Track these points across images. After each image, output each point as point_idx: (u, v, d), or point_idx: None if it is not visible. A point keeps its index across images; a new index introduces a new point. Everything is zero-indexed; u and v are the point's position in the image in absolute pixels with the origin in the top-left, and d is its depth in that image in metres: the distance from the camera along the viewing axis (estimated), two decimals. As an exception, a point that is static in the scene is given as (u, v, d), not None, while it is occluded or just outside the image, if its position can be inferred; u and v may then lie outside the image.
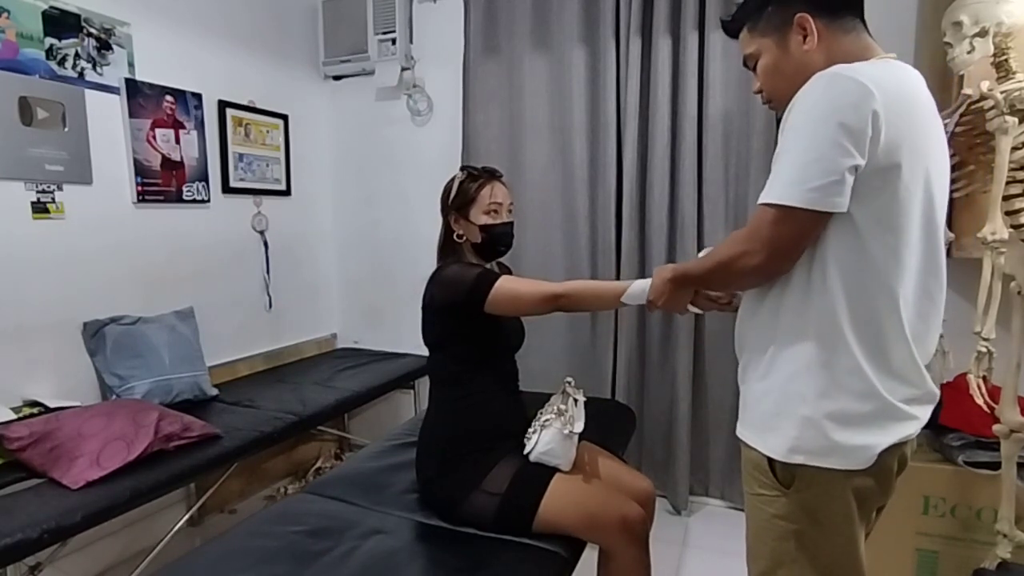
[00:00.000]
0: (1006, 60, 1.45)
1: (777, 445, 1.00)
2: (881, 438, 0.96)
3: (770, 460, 1.02)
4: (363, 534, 1.37)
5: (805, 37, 1.01)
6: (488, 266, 1.57)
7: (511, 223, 1.55)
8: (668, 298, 1.19)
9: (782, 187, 0.92)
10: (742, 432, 1.09)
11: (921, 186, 0.95)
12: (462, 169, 1.58)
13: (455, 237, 1.54)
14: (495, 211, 1.51)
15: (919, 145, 0.94)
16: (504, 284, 1.41)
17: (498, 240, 1.53)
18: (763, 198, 0.94)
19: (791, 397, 0.99)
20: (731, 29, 1.13)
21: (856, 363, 0.95)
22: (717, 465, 2.54)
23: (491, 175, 1.55)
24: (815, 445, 0.96)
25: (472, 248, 1.54)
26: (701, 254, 1.18)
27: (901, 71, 0.97)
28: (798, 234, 0.93)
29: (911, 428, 0.99)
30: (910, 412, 0.99)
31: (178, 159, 2.35)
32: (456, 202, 1.53)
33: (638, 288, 1.27)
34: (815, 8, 1.01)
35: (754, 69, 1.10)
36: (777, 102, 1.08)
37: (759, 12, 1.06)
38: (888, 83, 0.90)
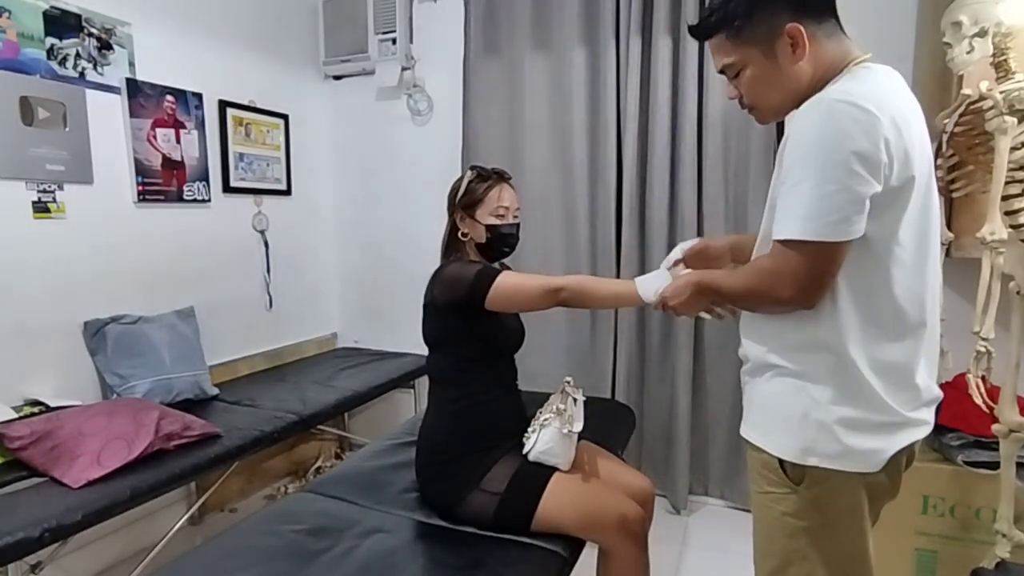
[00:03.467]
0: (1005, 60, 1.45)
1: (790, 447, 1.00)
2: (893, 443, 0.98)
3: (780, 459, 1.02)
4: (363, 533, 1.37)
5: (794, 48, 0.98)
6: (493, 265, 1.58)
7: (517, 225, 1.56)
8: (686, 301, 1.17)
9: (802, 220, 0.89)
10: (749, 433, 1.09)
11: (924, 190, 0.96)
12: (471, 168, 1.58)
13: (460, 235, 1.55)
14: (502, 214, 1.52)
15: (921, 152, 0.95)
16: (505, 279, 1.42)
17: (503, 241, 1.53)
18: (783, 233, 0.92)
19: (803, 401, 0.99)
20: (703, 33, 1.05)
21: (865, 381, 0.96)
22: (717, 464, 2.54)
23: (500, 177, 1.55)
24: (829, 449, 0.97)
25: (476, 247, 1.55)
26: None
27: (886, 80, 0.97)
28: (829, 266, 0.92)
29: (921, 433, 1.02)
30: (920, 418, 1.01)
31: (179, 159, 2.36)
32: (464, 201, 1.53)
33: (651, 284, 1.25)
34: (803, 15, 0.97)
35: (734, 77, 1.05)
36: (762, 111, 1.07)
37: (743, 19, 0.99)
38: (883, 101, 0.91)
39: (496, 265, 1.62)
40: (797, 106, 1.02)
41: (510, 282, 1.42)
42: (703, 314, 1.25)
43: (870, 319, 0.95)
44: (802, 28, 0.97)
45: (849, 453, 0.96)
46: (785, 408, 1.01)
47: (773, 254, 0.96)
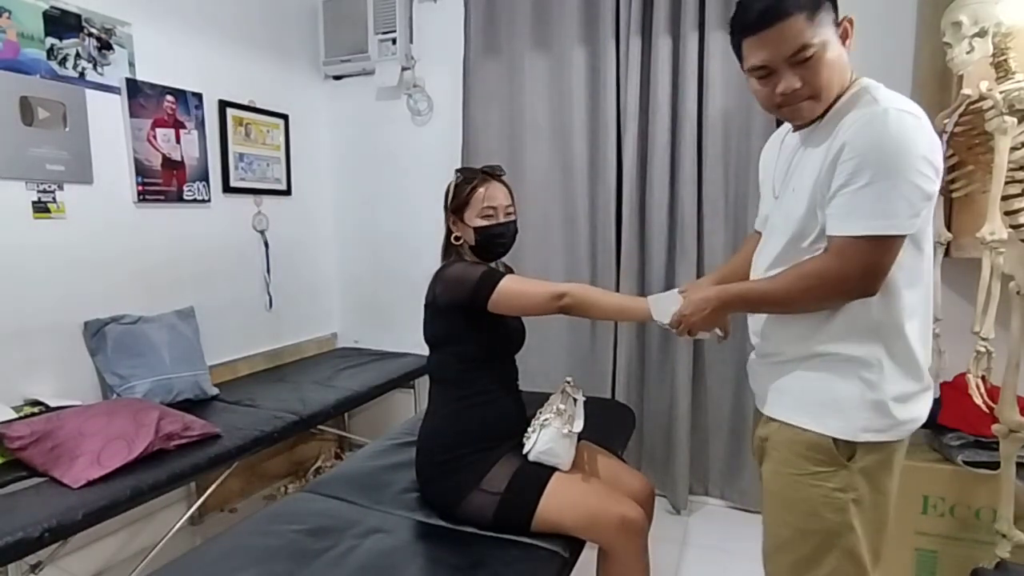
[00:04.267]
0: (1005, 60, 1.45)
1: (844, 427, 1.07)
2: (924, 409, 1.10)
3: (834, 439, 1.08)
4: (363, 533, 1.37)
5: (844, 38, 1.05)
6: (491, 265, 1.57)
7: (508, 223, 1.53)
8: (706, 317, 1.19)
9: (880, 217, 0.97)
10: (794, 417, 1.13)
11: None
12: (456, 171, 1.56)
13: (453, 239, 1.54)
14: (490, 214, 1.49)
15: None
16: (509, 283, 1.41)
17: (493, 242, 1.52)
18: (855, 229, 0.99)
19: (856, 384, 1.06)
20: (782, 13, 1.00)
21: (911, 350, 1.06)
22: (717, 464, 2.54)
23: (487, 175, 1.53)
24: (882, 424, 1.06)
25: (470, 250, 1.54)
26: (759, 275, 1.19)
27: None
28: (894, 257, 1.00)
29: (932, 395, 1.13)
30: (931, 382, 1.12)
31: (179, 159, 2.36)
32: (452, 205, 1.53)
33: (665, 305, 1.25)
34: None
35: (802, 62, 1.01)
36: (818, 103, 1.05)
37: (821, 1, 1.01)
38: (922, 112, 0.99)
39: (500, 267, 1.62)
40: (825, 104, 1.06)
41: (513, 287, 1.41)
42: (717, 330, 1.29)
43: (917, 296, 1.06)
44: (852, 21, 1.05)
45: (897, 425, 1.07)
46: (835, 391, 1.08)
47: (838, 250, 1.02)
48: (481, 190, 1.49)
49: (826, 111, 1.07)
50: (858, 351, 1.06)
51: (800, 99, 1.05)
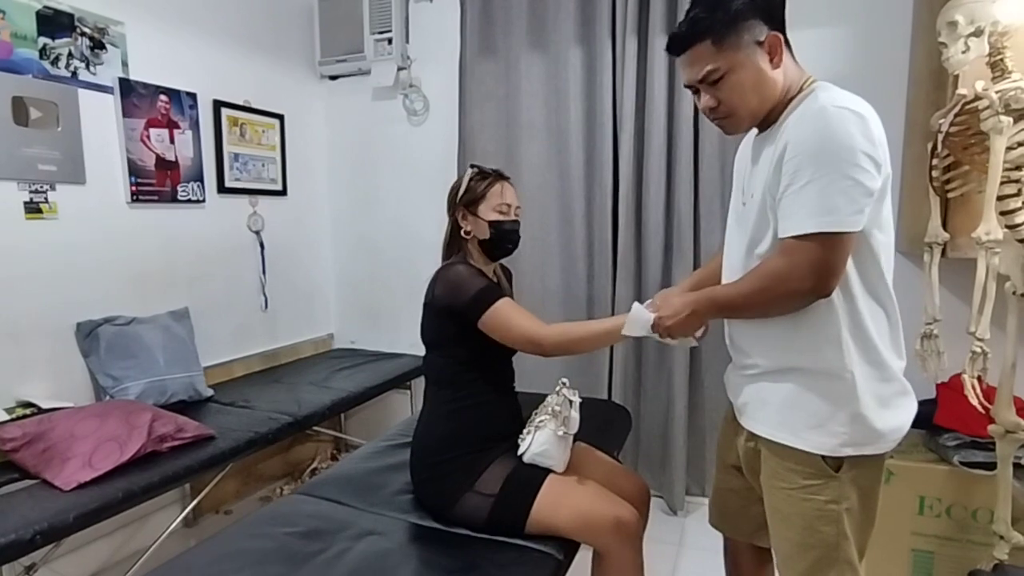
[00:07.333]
0: (1001, 60, 1.45)
1: (824, 442, 1.07)
2: (906, 418, 1.09)
3: (822, 454, 1.08)
4: (356, 535, 1.37)
5: (772, 56, 1.06)
6: (493, 267, 1.58)
7: (519, 223, 1.56)
8: (681, 321, 1.18)
9: (822, 215, 0.97)
10: (773, 434, 1.13)
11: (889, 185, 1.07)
12: (472, 167, 1.58)
13: (462, 233, 1.54)
14: (504, 210, 1.51)
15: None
16: (501, 309, 1.40)
17: (506, 237, 1.52)
18: (800, 228, 0.98)
19: (832, 396, 1.06)
20: (688, 41, 1.08)
21: (881, 355, 1.06)
22: (713, 465, 2.53)
23: (500, 175, 1.55)
24: (862, 437, 1.06)
25: (479, 245, 1.53)
26: (727, 280, 1.19)
27: (852, 94, 1.05)
28: (844, 255, 1.00)
29: (914, 403, 1.12)
30: (908, 386, 1.11)
31: (173, 159, 2.35)
32: (465, 198, 1.52)
33: (638, 317, 1.24)
34: (778, 28, 1.06)
35: (714, 84, 1.07)
36: (739, 118, 1.11)
37: (729, 26, 1.04)
38: (867, 109, 1.00)
39: (499, 267, 1.64)
40: (766, 116, 1.11)
41: (504, 312, 1.40)
42: (693, 337, 1.26)
43: (876, 299, 1.06)
44: (780, 37, 1.06)
45: (879, 437, 1.07)
46: (812, 405, 1.08)
47: (787, 250, 1.01)
48: (497, 186, 1.52)
49: (777, 115, 1.09)
50: (827, 364, 1.06)
51: (719, 116, 1.12)
